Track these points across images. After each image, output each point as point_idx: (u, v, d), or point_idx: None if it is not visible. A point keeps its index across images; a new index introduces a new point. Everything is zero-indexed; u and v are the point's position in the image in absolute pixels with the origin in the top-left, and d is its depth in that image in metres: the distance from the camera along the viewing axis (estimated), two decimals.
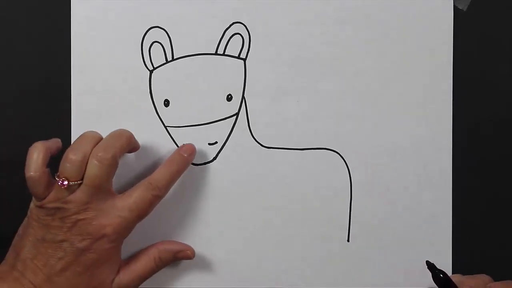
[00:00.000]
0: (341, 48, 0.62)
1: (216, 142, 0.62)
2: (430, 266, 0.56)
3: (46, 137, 0.61)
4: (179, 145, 0.61)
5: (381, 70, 0.62)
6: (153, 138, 0.61)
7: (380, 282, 0.62)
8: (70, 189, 0.55)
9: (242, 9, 0.61)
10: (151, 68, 0.61)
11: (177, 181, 0.60)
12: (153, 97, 0.61)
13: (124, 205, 0.57)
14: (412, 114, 0.62)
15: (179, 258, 0.61)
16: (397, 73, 0.62)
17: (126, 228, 0.57)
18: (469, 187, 0.63)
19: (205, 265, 0.62)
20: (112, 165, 0.56)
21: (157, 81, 0.61)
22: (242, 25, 0.61)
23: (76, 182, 0.55)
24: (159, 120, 0.62)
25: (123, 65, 0.61)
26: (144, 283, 0.61)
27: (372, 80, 0.62)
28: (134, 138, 0.59)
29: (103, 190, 0.56)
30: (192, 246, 0.62)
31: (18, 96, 0.62)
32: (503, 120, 0.63)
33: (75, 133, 0.61)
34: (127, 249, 0.60)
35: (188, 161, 0.60)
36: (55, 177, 0.55)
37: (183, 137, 0.62)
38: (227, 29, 0.61)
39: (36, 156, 0.56)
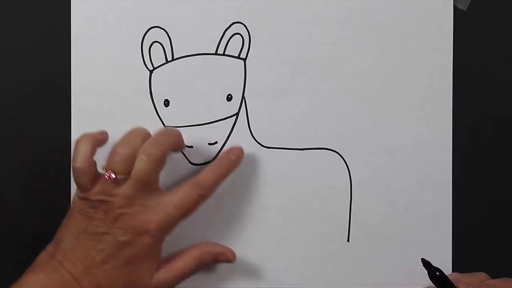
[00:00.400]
0: (341, 48, 0.62)
1: (216, 142, 0.62)
2: (426, 263, 0.56)
3: (46, 137, 0.61)
4: None
5: (381, 70, 0.62)
6: None
7: (380, 282, 0.62)
8: (117, 182, 0.55)
9: (242, 9, 0.61)
10: (151, 68, 0.61)
11: (177, 181, 0.60)
12: (153, 97, 0.61)
13: (169, 201, 0.57)
14: (412, 114, 0.62)
15: (220, 260, 0.60)
16: (397, 73, 0.62)
17: (169, 225, 0.56)
18: (469, 187, 0.63)
19: None
20: (160, 161, 0.56)
21: (157, 81, 0.61)
22: (242, 25, 0.61)
23: (123, 176, 0.55)
24: (159, 120, 0.62)
25: (123, 65, 0.61)
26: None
27: (372, 80, 0.62)
28: (182, 137, 0.59)
29: (149, 186, 0.56)
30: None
31: (18, 96, 0.62)
32: (503, 120, 0.63)
33: (75, 133, 0.61)
34: None
35: (236, 164, 0.60)
36: (103, 169, 0.56)
37: (183, 137, 0.61)
38: (227, 29, 0.61)
39: (84, 147, 0.56)
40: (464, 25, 0.62)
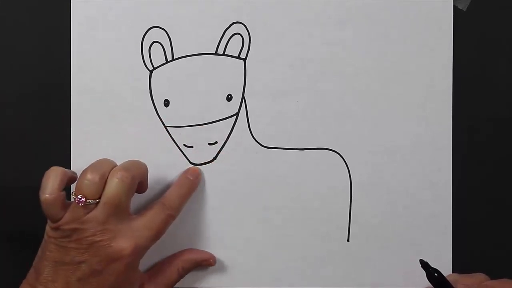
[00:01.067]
0: (341, 48, 0.62)
1: (216, 142, 0.62)
2: (424, 264, 0.56)
3: (46, 137, 0.61)
4: (179, 145, 0.62)
5: (381, 70, 0.62)
6: (153, 138, 0.61)
7: (380, 282, 0.62)
8: (87, 208, 0.55)
9: (242, 9, 0.61)
10: (151, 68, 0.61)
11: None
12: (153, 97, 0.61)
13: (140, 225, 0.56)
14: (412, 114, 0.62)
15: (202, 266, 0.62)
16: (397, 73, 0.62)
17: (143, 248, 0.56)
18: (469, 187, 0.63)
19: (205, 265, 0.62)
20: (132, 185, 0.56)
21: (157, 81, 0.61)
22: (242, 25, 0.61)
23: (94, 200, 0.55)
24: (159, 120, 0.62)
25: (123, 65, 0.61)
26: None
27: (372, 80, 0.62)
28: (147, 174, 0.59)
29: (120, 210, 0.55)
30: (192, 246, 0.62)
31: (18, 96, 0.62)
32: (503, 120, 0.63)
33: (75, 133, 0.61)
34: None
35: (196, 183, 0.61)
36: (72, 195, 0.55)
37: (183, 137, 0.62)
38: (227, 29, 0.61)
39: (53, 179, 0.55)
40: (464, 25, 0.62)
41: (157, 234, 0.57)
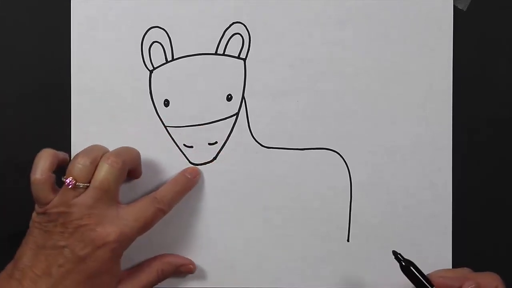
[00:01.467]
0: (341, 48, 0.62)
1: (216, 142, 0.62)
2: (396, 256, 0.55)
3: (46, 137, 0.61)
4: (179, 145, 0.62)
5: (381, 70, 0.62)
6: (153, 138, 0.61)
7: (380, 282, 0.62)
8: (76, 191, 0.55)
9: (242, 9, 0.61)
10: (151, 68, 0.61)
11: None
12: (153, 97, 0.61)
13: (129, 214, 0.56)
14: (412, 114, 0.62)
15: (181, 272, 0.61)
16: (397, 73, 0.62)
17: (128, 238, 0.56)
18: (469, 187, 0.63)
19: (205, 265, 0.62)
20: (122, 171, 0.56)
21: (157, 81, 0.61)
22: (242, 25, 0.61)
23: (83, 184, 0.55)
24: (159, 120, 0.62)
25: (123, 65, 0.61)
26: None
27: (372, 80, 0.62)
28: (140, 162, 0.59)
29: (109, 196, 0.56)
30: (192, 246, 0.62)
31: (18, 96, 0.62)
32: (503, 120, 0.63)
33: (75, 133, 0.61)
34: (128, 256, 0.60)
35: (193, 182, 0.61)
36: (62, 179, 0.55)
37: (183, 137, 0.62)
38: (227, 29, 0.61)
39: (44, 160, 0.55)
40: (464, 25, 0.62)
41: (144, 226, 0.57)
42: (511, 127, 0.63)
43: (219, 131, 0.62)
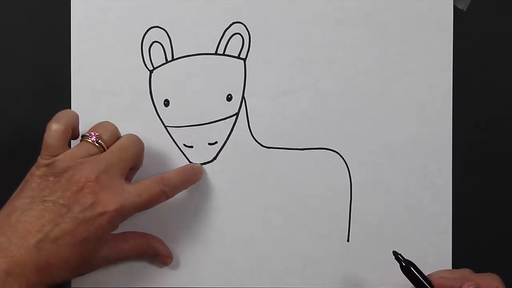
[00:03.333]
0: (341, 48, 0.62)
1: (216, 142, 0.62)
2: (397, 257, 0.56)
3: None
4: (179, 145, 0.62)
5: (381, 70, 0.62)
6: (153, 138, 0.61)
7: (380, 282, 0.62)
8: (93, 149, 0.55)
9: (242, 9, 0.61)
10: (151, 68, 0.61)
11: None
12: (153, 97, 0.61)
13: (133, 189, 0.56)
14: (412, 114, 0.62)
15: (157, 260, 0.61)
16: (397, 73, 0.62)
17: (128, 211, 0.55)
18: (469, 187, 0.63)
19: (205, 265, 0.62)
20: (142, 150, 0.58)
21: (157, 81, 0.61)
22: (242, 25, 0.61)
23: (104, 145, 0.56)
24: (159, 120, 0.62)
25: (123, 65, 0.61)
26: (143, 283, 0.61)
27: (372, 80, 0.62)
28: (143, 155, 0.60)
29: (121, 166, 0.55)
30: (192, 246, 0.62)
31: (18, 96, 0.62)
32: (503, 120, 0.63)
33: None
34: None
35: (197, 176, 0.61)
36: (84, 133, 0.56)
37: (183, 137, 0.62)
38: (227, 29, 0.61)
39: (68, 114, 0.57)
40: (464, 25, 0.62)
41: (145, 203, 0.56)
42: (511, 127, 0.63)
43: (219, 131, 0.62)
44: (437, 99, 0.62)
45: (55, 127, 0.55)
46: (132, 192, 0.55)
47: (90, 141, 0.56)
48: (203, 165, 0.62)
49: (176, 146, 0.62)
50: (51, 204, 0.53)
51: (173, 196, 0.59)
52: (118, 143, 0.57)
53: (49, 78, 0.62)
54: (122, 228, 0.56)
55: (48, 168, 0.54)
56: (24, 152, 0.59)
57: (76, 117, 0.57)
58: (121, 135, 0.58)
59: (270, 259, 0.62)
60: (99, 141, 0.55)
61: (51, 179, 0.53)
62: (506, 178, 0.63)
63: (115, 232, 0.56)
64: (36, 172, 0.54)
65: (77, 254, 0.53)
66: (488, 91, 0.63)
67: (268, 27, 0.61)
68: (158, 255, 0.61)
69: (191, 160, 0.62)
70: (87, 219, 0.53)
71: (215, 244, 0.62)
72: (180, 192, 0.61)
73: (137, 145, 0.58)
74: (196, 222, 0.62)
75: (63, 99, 0.61)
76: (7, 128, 0.62)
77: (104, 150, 0.56)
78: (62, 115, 0.56)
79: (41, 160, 0.54)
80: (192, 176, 0.61)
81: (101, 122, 0.58)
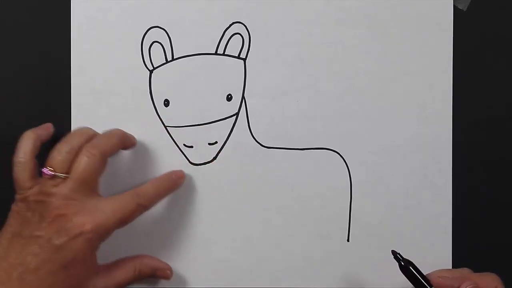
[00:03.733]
0: (341, 48, 0.62)
1: (216, 142, 0.62)
2: (396, 256, 0.56)
3: None
4: (179, 145, 0.62)
5: (381, 70, 0.62)
6: (153, 138, 0.61)
7: (380, 282, 0.62)
8: (55, 181, 0.55)
9: (242, 9, 0.61)
10: (151, 68, 0.61)
11: None
12: (153, 97, 0.61)
13: (107, 206, 0.56)
14: (412, 114, 0.62)
15: (158, 275, 0.61)
16: (397, 73, 0.62)
17: (105, 229, 0.55)
18: (469, 187, 0.63)
19: (205, 265, 0.62)
20: (101, 161, 0.56)
21: (157, 81, 0.61)
22: (242, 25, 0.61)
23: (62, 174, 0.55)
24: (159, 120, 0.62)
25: (123, 65, 0.61)
26: (144, 283, 0.61)
27: (372, 80, 0.62)
28: (128, 136, 0.60)
29: (88, 187, 0.56)
30: (192, 246, 0.62)
31: (18, 96, 0.62)
32: (503, 120, 0.63)
33: None
34: (124, 248, 0.60)
35: (177, 183, 0.61)
36: (41, 168, 0.56)
37: (183, 137, 0.62)
38: (227, 29, 0.61)
39: (26, 143, 0.56)
40: (464, 25, 0.62)
41: (122, 219, 0.56)
42: (511, 127, 0.63)
43: (219, 131, 0.62)
44: (437, 99, 0.62)
45: (16, 160, 0.56)
46: (106, 210, 0.55)
47: (48, 177, 0.55)
48: (203, 165, 0.62)
49: (176, 146, 0.62)
50: (29, 237, 0.54)
51: (152, 206, 0.58)
52: (74, 168, 0.55)
53: (49, 78, 0.62)
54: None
55: (23, 204, 0.55)
56: (54, 147, 0.58)
57: (34, 140, 0.57)
58: (78, 149, 0.56)
59: (270, 259, 0.62)
60: (56, 174, 0.55)
61: (27, 214, 0.55)
62: (506, 178, 0.63)
63: (111, 253, 0.57)
64: (14, 208, 0.56)
65: (61, 282, 0.54)
66: (488, 91, 0.63)
67: (268, 27, 0.61)
68: (157, 270, 0.61)
69: (191, 160, 0.62)
70: (64, 244, 0.54)
71: (215, 244, 0.62)
72: (180, 192, 0.61)
73: (94, 161, 0.56)
74: (196, 222, 0.62)
75: (63, 99, 0.61)
76: (7, 128, 0.62)
77: (66, 177, 0.55)
78: (20, 145, 0.57)
79: (16, 196, 0.56)
80: (170, 183, 0.60)
81: (54, 147, 0.56)
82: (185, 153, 0.62)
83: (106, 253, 0.58)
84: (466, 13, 0.62)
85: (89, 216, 0.55)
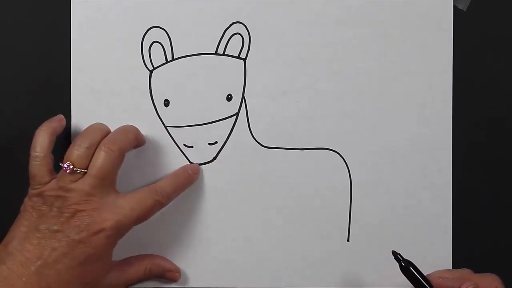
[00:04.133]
0: (341, 48, 0.62)
1: (216, 142, 0.62)
2: (396, 256, 0.56)
3: None
4: (179, 145, 0.62)
5: (381, 70, 0.62)
6: (153, 138, 0.62)
7: (380, 282, 0.62)
8: (74, 176, 0.55)
9: (242, 9, 0.61)
10: (151, 68, 0.61)
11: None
12: (153, 97, 0.61)
13: (126, 203, 0.56)
14: (412, 114, 0.62)
15: (166, 277, 0.61)
16: (397, 73, 0.62)
17: (124, 226, 0.56)
18: (469, 187, 0.63)
19: (205, 265, 0.62)
20: (119, 157, 0.56)
21: (157, 81, 0.61)
22: (242, 25, 0.61)
23: (81, 170, 0.55)
24: (159, 120, 0.62)
25: (123, 65, 0.61)
26: (144, 283, 0.61)
27: (372, 80, 0.62)
28: (141, 134, 0.60)
29: (106, 183, 0.56)
30: (192, 246, 0.62)
31: (18, 96, 0.62)
32: (503, 120, 0.63)
33: (75, 133, 0.61)
34: (124, 251, 0.60)
35: (193, 179, 0.61)
36: (60, 164, 0.56)
37: (183, 137, 0.62)
38: (227, 29, 0.61)
39: (42, 138, 0.56)
40: (464, 25, 0.62)
41: (141, 216, 0.56)
42: (511, 127, 0.63)
43: (219, 131, 0.62)
44: (437, 99, 0.62)
45: (33, 155, 0.56)
46: (126, 206, 0.56)
47: (67, 172, 0.55)
48: (203, 165, 0.62)
49: (176, 146, 0.62)
50: (47, 231, 0.54)
51: (168, 203, 0.59)
52: (93, 163, 0.56)
53: (49, 78, 0.62)
54: (122, 239, 0.57)
55: (38, 198, 0.55)
56: (24, 152, 0.58)
57: (50, 134, 0.57)
58: (97, 144, 0.57)
59: (270, 259, 0.62)
60: (74, 169, 0.55)
61: (44, 208, 0.55)
62: (506, 178, 0.63)
63: (115, 251, 0.57)
64: (28, 203, 0.56)
65: (78, 277, 0.54)
66: (488, 91, 0.63)
67: (268, 27, 0.61)
68: (166, 272, 0.61)
69: (191, 160, 0.62)
70: (84, 239, 0.54)
71: (215, 244, 0.62)
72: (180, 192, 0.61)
73: (112, 157, 0.56)
74: (196, 222, 0.62)
75: (63, 99, 0.61)
76: (7, 128, 0.62)
77: (85, 172, 0.56)
78: (36, 140, 0.57)
79: (31, 191, 0.56)
80: (187, 179, 0.61)
81: (72, 142, 0.57)
82: (185, 153, 0.62)
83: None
84: (466, 13, 0.62)
85: (108, 213, 0.55)
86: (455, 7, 0.62)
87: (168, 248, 0.62)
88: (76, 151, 0.56)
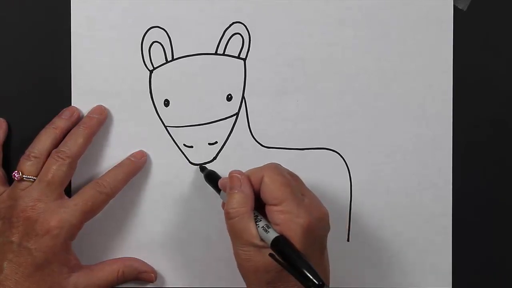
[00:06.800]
0: (341, 48, 0.62)
1: (216, 142, 0.62)
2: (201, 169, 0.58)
3: None
4: (179, 145, 0.62)
5: (381, 70, 0.62)
6: (153, 138, 0.61)
7: (380, 282, 0.62)
8: (23, 184, 0.56)
9: (242, 9, 0.61)
10: (151, 68, 0.61)
11: (177, 181, 0.61)
12: (153, 97, 0.61)
13: (70, 201, 0.57)
14: (412, 114, 0.62)
15: (142, 278, 0.61)
16: (397, 73, 0.62)
17: (70, 223, 0.56)
18: (469, 187, 0.63)
19: (205, 265, 0.62)
20: (69, 164, 0.57)
21: (157, 81, 0.61)
22: (242, 25, 0.61)
23: (30, 177, 0.56)
24: (159, 120, 0.62)
25: (123, 65, 0.61)
26: (144, 283, 0.61)
27: (372, 80, 0.62)
28: (97, 131, 0.60)
29: (55, 189, 0.56)
30: (192, 246, 0.62)
31: (18, 96, 0.62)
32: (503, 120, 0.63)
33: None
34: (122, 249, 0.60)
35: (136, 164, 0.60)
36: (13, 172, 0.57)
37: (183, 137, 0.62)
38: (227, 29, 0.61)
39: None
40: (464, 25, 0.62)
41: (85, 209, 0.57)
42: (511, 127, 0.63)
43: (219, 131, 0.62)
44: (437, 99, 0.62)
45: None
46: (69, 204, 0.56)
47: (17, 181, 0.57)
48: (202, 165, 0.62)
49: (176, 146, 0.62)
50: (4, 244, 0.55)
51: (116, 193, 0.59)
52: (43, 170, 0.57)
53: (49, 78, 0.62)
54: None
55: None
56: (24, 152, 0.59)
57: None
58: (46, 153, 0.58)
59: None
60: (24, 177, 0.57)
61: None
62: (506, 178, 0.63)
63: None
64: None
65: (38, 283, 0.55)
66: (488, 91, 0.63)
67: (268, 27, 0.61)
68: (141, 273, 0.61)
69: (191, 160, 0.62)
70: (34, 245, 0.55)
71: (215, 244, 0.62)
72: (180, 192, 0.61)
73: (63, 165, 0.57)
74: (196, 222, 0.62)
75: (63, 99, 0.61)
76: (7, 128, 0.62)
77: (34, 180, 0.57)
78: None
79: None
80: (130, 166, 0.60)
81: (25, 151, 0.58)
82: (185, 153, 0.62)
83: (106, 254, 0.58)
84: (466, 13, 0.62)
85: (53, 214, 0.56)
86: (455, 7, 0.62)
87: (168, 248, 0.62)
88: (25, 160, 0.57)
